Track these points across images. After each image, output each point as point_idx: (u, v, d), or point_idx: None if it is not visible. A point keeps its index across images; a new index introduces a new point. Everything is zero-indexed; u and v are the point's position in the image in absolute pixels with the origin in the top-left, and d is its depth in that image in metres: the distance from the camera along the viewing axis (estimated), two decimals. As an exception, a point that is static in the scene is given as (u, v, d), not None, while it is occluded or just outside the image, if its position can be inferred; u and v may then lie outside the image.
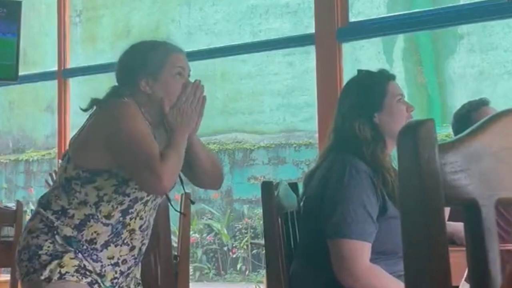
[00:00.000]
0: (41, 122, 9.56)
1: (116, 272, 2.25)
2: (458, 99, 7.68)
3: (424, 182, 0.81)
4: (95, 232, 2.19)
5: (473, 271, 0.84)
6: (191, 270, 6.00)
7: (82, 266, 2.18)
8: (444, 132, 6.84)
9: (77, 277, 2.16)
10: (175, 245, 3.84)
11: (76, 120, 6.97)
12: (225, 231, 8.80)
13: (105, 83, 9.00)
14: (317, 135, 4.54)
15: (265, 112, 8.86)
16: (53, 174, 4.25)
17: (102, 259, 2.21)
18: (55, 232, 2.20)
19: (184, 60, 2.35)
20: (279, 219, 2.27)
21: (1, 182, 9.73)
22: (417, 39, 7.84)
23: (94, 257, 2.20)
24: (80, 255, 2.18)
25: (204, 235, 8.91)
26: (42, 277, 2.14)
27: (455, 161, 0.85)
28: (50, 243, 2.19)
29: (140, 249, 2.31)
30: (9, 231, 3.75)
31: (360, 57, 7.88)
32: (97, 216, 2.19)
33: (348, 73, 4.36)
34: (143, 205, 2.26)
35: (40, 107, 9.43)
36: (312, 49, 4.59)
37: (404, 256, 0.82)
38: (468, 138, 0.85)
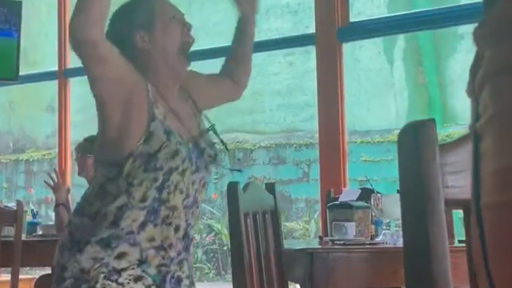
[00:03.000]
0: (42, 122, 9.56)
1: (163, 258, 1.99)
2: (459, 100, 7.68)
3: (424, 182, 0.81)
4: (132, 220, 1.97)
5: (473, 271, 0.84)
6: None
7: (112, 269, 1.95)
8: (445, 132, 6.84)
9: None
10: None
11: (76, 120, 6.97)
12: (225, 231, 8.80)
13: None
14: (317, 135, 4.54)
15: (265, 112, 8.86)
16: (53, 174, 4.25)
17: (141, 242, 1.96)
18: (78, 248, 1.97)
19: (172, 4, 2.16)
20: (248, 220, 2.27)
21: (1, 182, 9.74)
22: (417, 39, 7.84)
23: (132, 240, 1.96)
24: (109, 261, 1.95)
25: (204, 235, 8.91)
26: None
27: (455, 162, 0.85)
28: (74, 262, 1.96)
29: (185, 230, 2.05)
30: (9, 231, 3.75)
31: (360, 57, 7.88)
32: (131, 204, 1.98)
33: (348, 73, 4.37)
34: (179, 176, 2.01)
35: (41, 107, 9.43)
36: (312, 49, 4.59)
37: (404, 256, 0.82)
38: (468, 138, 0.85)
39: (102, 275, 1.92)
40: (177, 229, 2.02)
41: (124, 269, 1.94)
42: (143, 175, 1.97)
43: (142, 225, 1.97)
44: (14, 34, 5.35)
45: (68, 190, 4.35)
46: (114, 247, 1.94)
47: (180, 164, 2.01)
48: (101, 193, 2.01)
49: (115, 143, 1.99)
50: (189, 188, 2.04)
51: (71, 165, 5.38)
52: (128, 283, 1.94)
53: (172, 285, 2.01)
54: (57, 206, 4.12)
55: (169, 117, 2.04)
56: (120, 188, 1.98)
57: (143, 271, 1.96)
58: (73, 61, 6.01)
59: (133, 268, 1.95)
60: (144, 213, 1.97)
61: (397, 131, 0.91)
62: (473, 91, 0.69)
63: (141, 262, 1.96)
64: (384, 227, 3.08)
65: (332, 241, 3.00)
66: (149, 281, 1.96)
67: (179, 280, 2.04)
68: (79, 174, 4.30)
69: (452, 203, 0.87)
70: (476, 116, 0.67)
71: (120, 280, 1.93)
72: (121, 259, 1.94)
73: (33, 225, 4.31)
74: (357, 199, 3.26)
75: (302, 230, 8.29)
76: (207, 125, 2.25)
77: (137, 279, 1.95)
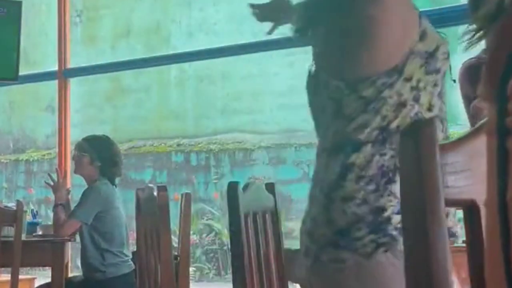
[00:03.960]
0: (41, 122, 9.57)
1: None
2: (459, 99, 7.66)
3: (424, 182, 0.81)
4: None
5: (473, 271, 0.84)
6: (191, 270, 5.99)
7: None
8: (445, 132, 6.84)
9: None
10: (175, 245, 3.84)
11: (76, 120, 6.97)
12: (225, 231, 8.80)
13: (105, 83, 8.97)
14: (317, 135, 4.53)
15: (265, 112, 8.87)
16: (54, 174, 4.24)
17: None
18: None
19: None
20: (248, 220, 2.27)
21: (1, 182, 9.74)
22: (417, 39, 7.84)
23: None
24: None
25: (204, 235, 8.91)
26: None
27: (455, 161, 0.85)
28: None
29: None
30: (9, 231, 3.75)
31: (360, 57, 7.88)
32: (420, 113, 1.67)
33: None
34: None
35: (41, 107, 9.43)
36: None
37: (404, 256, 0.82)
38: (468, 138, 0.85)
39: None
40: None
41: None
42: (425, 77, 1.69)
43: None
44: (14, 34, 5.35)
45: (68, 191, 4.34)
46: None
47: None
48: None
49: (392, 44, 1.68)
50: None
51: (71, 165, 5.38)
52: None
53: None
54: (55, 206, 4.11)
55: None
56: (402, 96, 1.66)
57: None
58: (73, 61, 6.02)
59: None
60: None
61: (397, 131, 0.91)
62: (496, 91, 0.69)
63: None
64: (384, 227, 3.07)
65: (332, 241, 3.00)
66: None
67: None
68: (75, 172, 4.31)
69: (452, 203, 0.87)
70: (501, 113, 0.68)
71: None
72: None
73: (33, 225, 4.31)
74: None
75: (302, 230, 8.30)
76: None
77: None
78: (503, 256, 0.65)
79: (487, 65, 0.72)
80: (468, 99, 3.14)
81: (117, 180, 4.27)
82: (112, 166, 4.18)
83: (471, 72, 3.10)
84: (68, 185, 4.91)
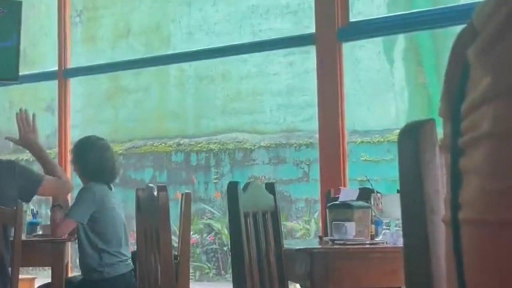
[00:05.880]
0: (41, 122, 9.55)
1: None
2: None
3: (424, 182, 0.81)
4: None
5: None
6: (191, 270, 5.99)
7: None
8: (445, 132, 6.84)
9: None
10: (175, 245, 3.83)
11: (76, 120, 6.97)
12: (225, 231, 8.80)
13: (105, 83, 8.95)
14: (317, 135, 4.54)
15: (265, 112, 8.86)
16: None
17: None
18: None
19: None
20: (248, 220, 2.27)
21: (2, 182, 9.73)
22: (417, 39, 7.84)
23: None
24: None
25: (204, 235, 8.91)
26: None
27: (455, 161, 0.85)
28: None
29: None
30: (9, 231, 3.74)
31: (360, 57, 7.88)
32: None
33: (348, 73, 4.37)
34: None
35: (40, 107, 9.42)
36: (312, 49, 4.59)
37: (404, 256, 0.82)
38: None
39: None
40: None
41: None
42: None
43: None
44: (14, 34, 5.35)
45: (67, 192, 4.33)
46: None
47: None
48: None
49: None
50: None
51: (70, 166, 5.38)
52: None
53: None
54: (52, 206, 4.09)
55: None
56: None
57: None
58: (73, 61, 6.02)
59: None
60: None
61: (397, 131, 0.91)
62: (451, 110, 0.69)
63: None
64: (384, 227, 3.07)
65: (332, 241, 3.00)
66: None
67: None
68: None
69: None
70: (455, 133, 0.68)
71: None
72: None
73: (33, 225, 4.31)
74: (357, 199, 3.26)
75: (302, 230, 8.29)
76: None
77: None
78: (456, 274, 0.66)
79: (444, 84, 0.73)
80: None
81: (117, 180, 4.25)
82: (102, 172, 4.09)
83: None
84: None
